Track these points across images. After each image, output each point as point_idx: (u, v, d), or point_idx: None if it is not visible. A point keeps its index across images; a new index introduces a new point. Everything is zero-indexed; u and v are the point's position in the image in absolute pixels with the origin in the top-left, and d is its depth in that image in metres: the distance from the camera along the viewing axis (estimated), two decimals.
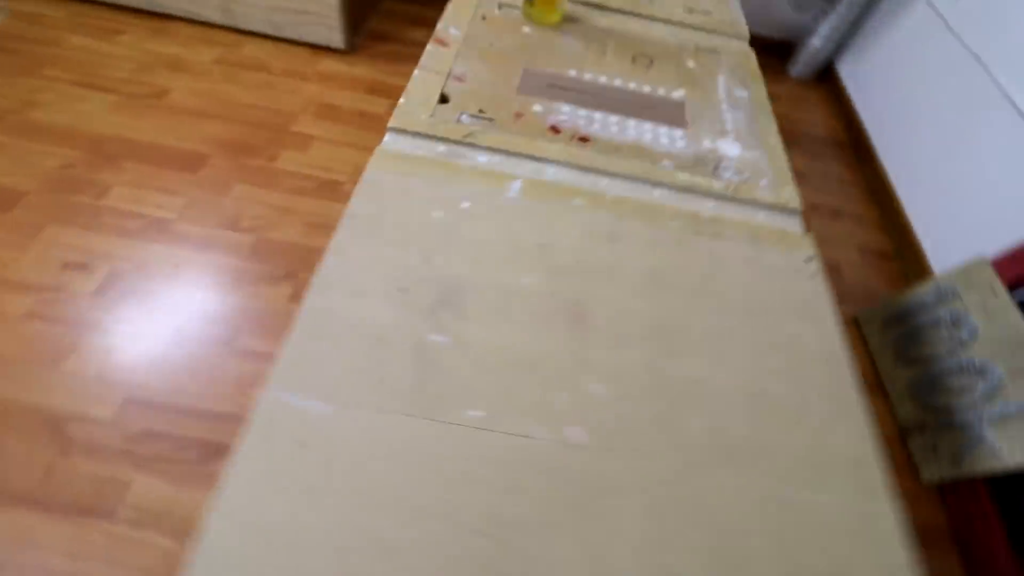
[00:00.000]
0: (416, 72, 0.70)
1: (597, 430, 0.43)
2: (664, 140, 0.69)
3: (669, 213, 0.61)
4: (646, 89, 0.76)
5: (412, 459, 0.39)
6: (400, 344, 0.45)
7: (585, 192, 0.61)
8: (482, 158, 0.62)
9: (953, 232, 1.29)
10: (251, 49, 1.52)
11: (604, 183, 0.63)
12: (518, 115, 0.68)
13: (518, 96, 0.70)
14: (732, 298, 0.55)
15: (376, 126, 1.41)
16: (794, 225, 0.65)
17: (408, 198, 0.56)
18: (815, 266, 0.60)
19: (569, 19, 0.85)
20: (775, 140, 0.73)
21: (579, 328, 0.49)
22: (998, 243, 1.12)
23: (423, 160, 0.60)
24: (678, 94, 0.77)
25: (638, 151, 0.67)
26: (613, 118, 0.70)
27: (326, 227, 1.18)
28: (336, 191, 1.26)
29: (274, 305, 1.05)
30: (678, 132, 0.71)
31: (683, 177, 0.65)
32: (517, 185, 0.60)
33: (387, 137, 0.62)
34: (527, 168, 0.62)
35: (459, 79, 0.71)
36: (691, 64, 0.83)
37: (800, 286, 0.58)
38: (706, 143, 0.70)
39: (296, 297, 1.06)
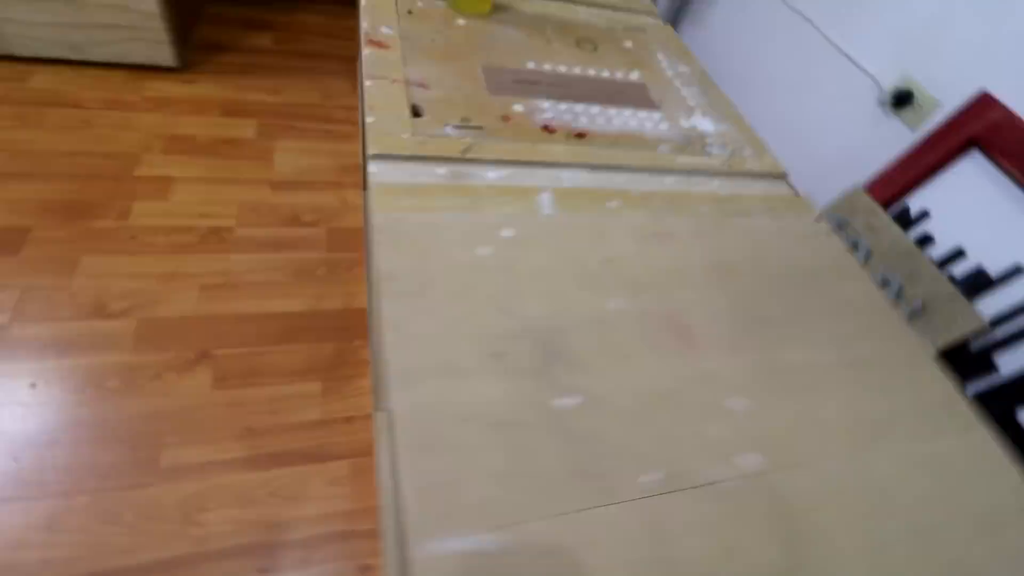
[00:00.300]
0: (368, 84, 0.57)
1: (767, 449, 0.39)
2: (648, 125, 0.66)
3: (694, 199, 0.59)
4: (605, 74, 0.73)
5: (616, 561, 0.31)
6: (530, 422, 0.36)
7: (613, 193, 0.56)
8: (491, 174, 0.53)
9: (817, 173, 1.50)
10: (44, 80, 1.16)
11: (621, 179, 0.59)
12: (504, 118, 0.60)
13: (491, 97, 0.62)
14: (786, 272, 0.55)
15: (250, 153, 1.18)
16: (785, 189, 0.67)
17: (440, 239, 0.45)
18: (825, 225, 0.63)
19: (496, 7, 0.78)
20: (732, 110, 0.76)
21: (687, 343, 0.44)
22: (860, 174, 1.33)
23: (429, 188, 0.49)
24: (635, 76, 0.75)
25: (634, 140, 0.63)
26: (594, 108, 0.66)
27: (231, 287, 0.96)
28: (227, 239, 1.03)
29: (195, 398, 0.82)
30: (655, 115, 0.69)
31: (684, 160, 0.63)
32: (546, 198, 0.52)
33: (372, 167, 0.50)
34: (543, 177, 0.55)
35: (421, 85, 0.60)
36: (629, 44, 0.81)
37: (825, 247, 0.60)
38: (683, 122, 0.69)
39: (222, 381, 0.85)
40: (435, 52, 0.66)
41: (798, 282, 0.54)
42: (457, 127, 0.56)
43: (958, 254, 1.00)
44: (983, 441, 0.46)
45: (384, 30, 0.66)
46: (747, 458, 0.38)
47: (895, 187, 1.17)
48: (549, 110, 0.63)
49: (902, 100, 1.30)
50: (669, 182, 0.61)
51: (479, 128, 0.57)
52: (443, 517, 0.31)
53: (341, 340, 0.95)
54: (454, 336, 0.39)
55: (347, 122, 1.34)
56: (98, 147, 1.09)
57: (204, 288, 0.95)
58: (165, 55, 1.24)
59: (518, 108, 0.62)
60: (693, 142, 0.66)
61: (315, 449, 0.82)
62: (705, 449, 0.38)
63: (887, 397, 0.46)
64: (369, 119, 0.53)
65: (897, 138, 1.29)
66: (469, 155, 0.53)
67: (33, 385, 0.77)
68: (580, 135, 0.61)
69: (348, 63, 1.51)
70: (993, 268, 1.01)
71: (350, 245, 1.09)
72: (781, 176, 0.68)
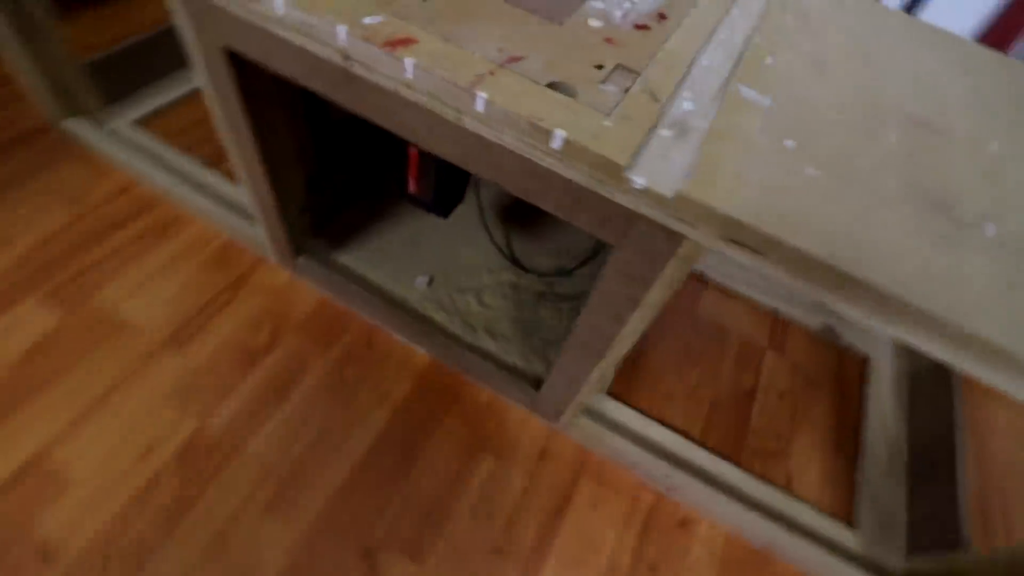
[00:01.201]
0: (482, 96, 0.40)
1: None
2: None
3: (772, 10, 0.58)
4: None
5: None
6: None
7: (756, 47, 0.52)
8: (687, 104, 0.45)
9: None
10: None
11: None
12: (608, 41, 0.48)
13: (562, 27, 0.48)
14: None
15: (88, 336, 0.75)
16: None
17: (771, 172, 0.39)
18: None
19: None
20: None
21: (925, 124, 0.49)
22: None
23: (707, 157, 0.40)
24: None
25: None
26: None
27: (290, 479, 0.69)
28: (212, 443, 0.70)
29: None
30: None
31: None
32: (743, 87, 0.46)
33: (638, 181, 0.38)
34: (704, 71, 0.48)
35: (516, 59, 0.43)
36: None
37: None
38: None
39: (417, 553, 0.67)
40: (451, 9, 0.46)
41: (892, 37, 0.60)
42: (607, 81, 0.44)
43: None
44: None
45: (367, 20, 0.43)
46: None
47: None
48: (608, 5, 0.52)
49: None
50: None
51: (620, 67, 0.45)
52: None
53: (450, 406, 0.79)
54: (900, 228, 0.37)
55: (148, 210, 0.91)
56: None
57: (270, 508, 0.67)
58: None
59: (596, 24, 0.49)
60: None
61: (556, 498, 0.73)
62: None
63: None
64: (561, 134, 0.38)
65: None
66: (660, 99, 0.43)
67: None
68: (662, 16, 0.52)
69: (39, 137, 0.96)
70: None
71: (337, 326, 0.84)
72: None
